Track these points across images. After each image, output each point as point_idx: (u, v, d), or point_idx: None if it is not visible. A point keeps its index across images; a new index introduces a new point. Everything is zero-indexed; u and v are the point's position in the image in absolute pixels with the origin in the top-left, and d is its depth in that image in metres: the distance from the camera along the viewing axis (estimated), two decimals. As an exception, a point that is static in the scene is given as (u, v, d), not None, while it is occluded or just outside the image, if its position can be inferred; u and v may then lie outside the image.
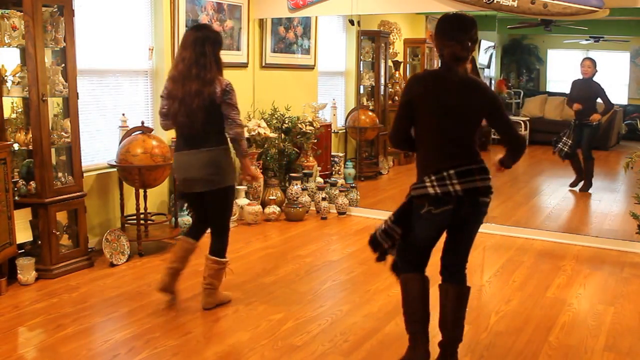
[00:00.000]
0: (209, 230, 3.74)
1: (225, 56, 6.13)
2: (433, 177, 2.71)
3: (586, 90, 7.05)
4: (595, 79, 7.06)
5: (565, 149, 7.14)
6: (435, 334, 3.02)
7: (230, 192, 3.69)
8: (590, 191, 7.21)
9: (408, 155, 8.86)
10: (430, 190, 2.71)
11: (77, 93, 4.37)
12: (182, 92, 3.45)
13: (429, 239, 2.88)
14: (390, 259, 3.04)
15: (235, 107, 3.56)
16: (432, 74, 2.90)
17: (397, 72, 8.65)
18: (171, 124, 3.62)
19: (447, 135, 2.73)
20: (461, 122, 2.74)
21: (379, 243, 2.95)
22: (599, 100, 7.13)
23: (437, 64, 9.01)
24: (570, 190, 7.25)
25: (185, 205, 3.79)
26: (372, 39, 7.99)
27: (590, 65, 7.05)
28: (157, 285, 3.72)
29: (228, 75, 5.99)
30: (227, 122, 3.54)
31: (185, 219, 5.18)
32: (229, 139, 3.61)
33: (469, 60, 2.79)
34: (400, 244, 2.93)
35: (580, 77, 7.14)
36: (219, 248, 3.68)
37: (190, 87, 3.43)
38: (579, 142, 7.11)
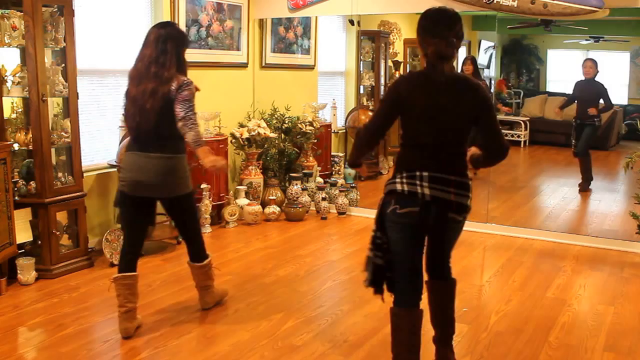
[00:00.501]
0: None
1: (225, 56, 6.14)
2: (405, 174, 2.56)
3: (589, 91, 7.11)
4: (597, 79, 7.11)
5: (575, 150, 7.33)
6: (427, 331, 2.93)
7: (193, 197, 3.53)
8: (591, 189, 7.26)
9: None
10: (398, 187, 2.55)
11: (77, 93, 4.37)
12: (136, 91, 3.22)
13: (404, 250, 2.60)
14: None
15: (187, 103, 3.21)
16: (418, 74, 2.66)
17: (397, 72, 8.64)
18: (127, 126, 3.38)
19: (430, 137, 2.56)
20: (447, 125, 2.55)
21: (375, 267, 2.65)
22: (600, 100, 7.19)
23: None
24: (580, 191, 7.24)
25: (122, 210, 3.46)
26: (372, 39, 7.99)
27: (591, 65, 7.10)
28: (122, 334, 3.31)
29: (228, 75, 6.05)
30: (178, 124, 3.19)
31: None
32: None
33: (455, 57, 2.59)
34: (388, 276, 2.66)
35: (582, 78, 7.19)
36: (197, 252, 3.59)
37: (145, 86, 3.19)
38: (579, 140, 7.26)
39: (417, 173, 2.53)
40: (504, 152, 2.65)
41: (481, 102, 2.59)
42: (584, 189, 7.24)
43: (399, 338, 2.66)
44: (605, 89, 7.11)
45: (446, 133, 2.56)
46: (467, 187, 2.60)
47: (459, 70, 7.78)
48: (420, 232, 2.63)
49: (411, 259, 2.62)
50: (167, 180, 3.30)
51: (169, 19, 5.35)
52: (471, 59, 7.50)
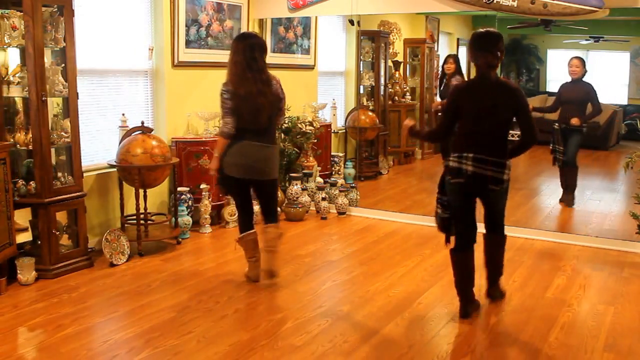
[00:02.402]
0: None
1: (225, 56, 6.15)
2: (455, 155, 3.48)
3: (576, 93, 6.31)
4: (585, 79, 6.37)
5: (562, 157, 6.46)
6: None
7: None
8: (588, 193, 7.13)
9: (409, 155, 8.88)
10: (451, 164, 3.50)
11: (77, 93, 4.37)
12: (246, 92, 3.90)
13: (458, 206, 3.57)
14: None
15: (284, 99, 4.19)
16: (472, 82, 3.61)
17: (397, 72, 8.65)
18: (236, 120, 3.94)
19: (478, 128, 3.45)
20: (492, 119, 3.44)
21: (441, 219, 3.66)
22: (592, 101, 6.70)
23: (436, 64, 9.03)
24: (566, 206, 6.53)
25: (228, 189, 4.21)
26: (372, 39, 7.99)
27: (578, 64, 6.30)
28: (253, 279, 4.20)
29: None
30: (280, 117, 4.28)
31: (185, 219, 5.19)
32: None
33: (497, 67, 3.50)
34: (450, 226, 3.66)
35: (569, 79, 6.40)
36: (277, 218, 4.24)
37: (256, 87, 3.92)
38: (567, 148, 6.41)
39: (465, 154, 3.45)
40: (531, 142, 3.54)
41: (518, 100, 3.48)
42: (571, 203, 6.51)
43: (457, 271, 3.61)
44: (594, 90, 6.30)
45: (490, 125, 3.45)
46: (503, 165, 3.47)
47: (441, 68, 7.75)
48: (468, 196, 3.56)
49: (465, 214, 3.59)
50: (272, 165, 4.08)
51: (168, 19, 5.35)
52: (453, 57, 7.42)
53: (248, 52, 3.91)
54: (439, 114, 3.74)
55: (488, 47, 3.45)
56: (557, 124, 6.44)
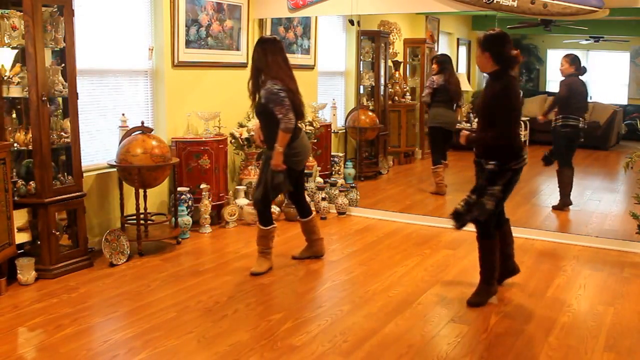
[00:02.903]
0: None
1: (225, 56, 6.14)
2: (521, 152, 3.83)
3: (559, 91, 6.25)
4: (584, 78, 6.26)
5: (547, 153, 6.39)
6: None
7: None
8: (588, 193, 7.11)
9: (409, 155, 8.87)
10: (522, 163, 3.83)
11: (77, 93, 4.36)
12: (295, 87, 4.28)
13: (507, 194, 3.83)
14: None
15: None
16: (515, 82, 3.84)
17: (397, 72, 8.64)
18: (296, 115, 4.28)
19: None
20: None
21: (460, 215, 3.76)
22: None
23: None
24: (555, 210, 6.37)
25: (290, 182, 4.40)
26: (372, 39, 7.98)
27: (563, 62, 6.19)
28: (304, 254, 4.72)
29: (228, 75, 6.04)
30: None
31: (185, 219, 5.19)
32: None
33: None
34: (486, 218, 3.77)
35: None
36: (307, 210, 4.65)
37: (297, 84, 4.32)
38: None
39: (523, 151, 3.84)
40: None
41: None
42: (560, 206, 6.36)
43: (494, 255, 3.86)
44: (567, 86, 6.14)
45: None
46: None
47: (428, 70, 7.74)
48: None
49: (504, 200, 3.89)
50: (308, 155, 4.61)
51: (169, 19, 5.35)
52: (435, 59, 7.45)
53: (284, 52, 4.29)
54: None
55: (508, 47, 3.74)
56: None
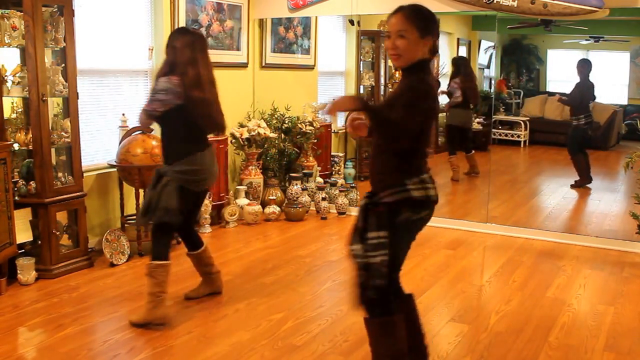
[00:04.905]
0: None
1: (225, 56, 6.15)
2: (416, 180, 2.47)
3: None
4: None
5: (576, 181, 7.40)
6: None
7: None
8: (590, 187, 7.26)
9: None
10: (414, 193, 2.43)
11: (77, 93, 4.37)
12: (211, 95, 3.57)
13: (404, 252, 2.56)
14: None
15: None
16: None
17: (397, 72, 8.63)
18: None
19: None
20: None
21: (364, 287, 2.49)
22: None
23: (436, 64, 9.00)
24: (574, 188, 7.26)
25: (184, 210, 3.60)
26: (372, 39, 7.98)
27: (577, 67, 7.24)
28: (202, 292, 3.92)
29: (228, 74, 6.04)
30: None
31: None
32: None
33: None
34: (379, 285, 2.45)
35: (571, 79, 7.35)
36: (197, 241, 3.90)
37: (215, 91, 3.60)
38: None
39: (426, 176, 2.60)
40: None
41: None
42: (577, 184, 7.31)
43: (399, 340, 2.55)
44: (577, 89, 7.29)
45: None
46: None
47: None
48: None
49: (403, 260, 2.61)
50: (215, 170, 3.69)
51: (169, 19, 5.35)
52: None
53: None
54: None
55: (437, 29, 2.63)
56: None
